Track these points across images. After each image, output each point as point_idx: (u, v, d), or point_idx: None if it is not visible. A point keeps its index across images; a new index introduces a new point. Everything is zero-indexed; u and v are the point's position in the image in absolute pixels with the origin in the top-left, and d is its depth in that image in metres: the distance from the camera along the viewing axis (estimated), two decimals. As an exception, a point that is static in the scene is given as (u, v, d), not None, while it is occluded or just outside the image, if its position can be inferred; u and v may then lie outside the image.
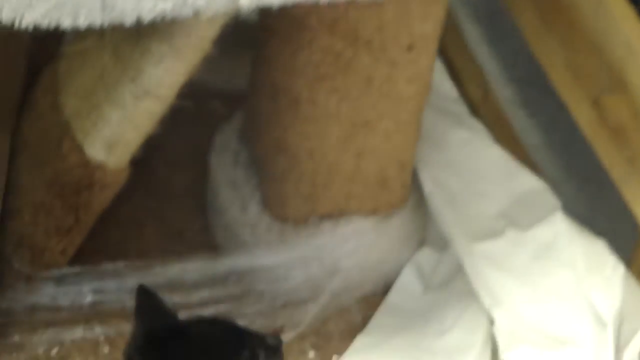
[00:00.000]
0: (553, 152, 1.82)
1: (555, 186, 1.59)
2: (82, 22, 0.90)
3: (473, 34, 1.89)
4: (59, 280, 1.50)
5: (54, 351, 1.47)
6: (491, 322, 1.45)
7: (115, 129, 1.31)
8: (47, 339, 1.48)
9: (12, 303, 1.48)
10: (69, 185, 1.40)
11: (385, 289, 1.63)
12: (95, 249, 1.57)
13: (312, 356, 1.52)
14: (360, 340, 1.51)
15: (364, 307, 1.61)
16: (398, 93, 1.40)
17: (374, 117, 1.43)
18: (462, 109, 1.80)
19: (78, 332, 1.49)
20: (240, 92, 1.68)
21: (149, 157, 1.52)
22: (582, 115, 1.43)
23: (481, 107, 1.85)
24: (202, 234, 1.68)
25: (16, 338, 1.46)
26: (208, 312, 1.47)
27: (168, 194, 1.74)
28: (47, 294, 1.49)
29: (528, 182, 1.61)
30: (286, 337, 1.49)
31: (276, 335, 1.14)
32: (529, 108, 1.88)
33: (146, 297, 1.10)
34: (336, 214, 1.56)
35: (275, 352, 1.10)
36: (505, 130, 1.76)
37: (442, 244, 1.63)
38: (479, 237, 1.51)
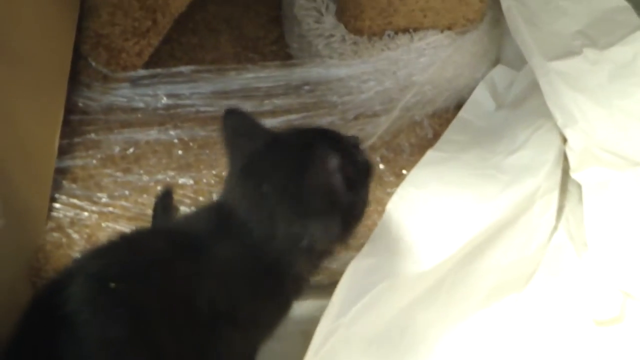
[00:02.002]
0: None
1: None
2: None
3: None
4: (135, 82, 1.56)
5: (130, 151, 1.55)
6: (564, 141, 1.49)
7: None
8: (123, 139, 1.55)
9: (89, 102, 1.56)
10: (148, -16, 1.35)
11: (457, 106, 1.68)
12: (171, 54, 1.65)
13: (382, 168, 1.57)
14: (430, 155, 1.54)
15: (436, 122, 1.67)
16: None
17: None
18: None
19: (152, 134, 1.55)
20: None
21: None
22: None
23: None
24: (276, 44, 1.74)
25: (92, 136, 1.54)
26: (280, 121, 1.56)
27: (244, 2, 1.80)
28: (122, 95, 1.57)
29: (609, 1, 1.61)
30: (357, 148, 1.51)
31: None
32: None
33: (237, 119, 1.17)
34: (412, 28, 1.61)
35: (359, 147, 1.16)
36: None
37: (518, 63, 1.66)
38: (556, 55, 1.52)
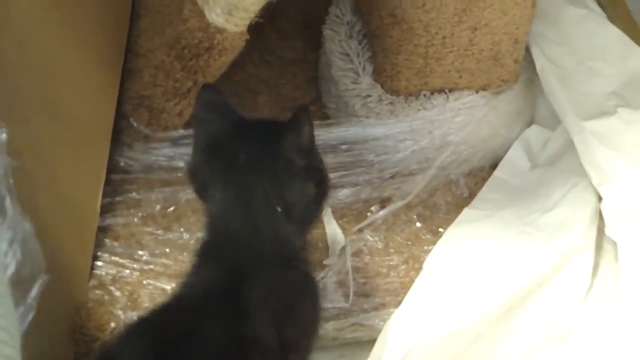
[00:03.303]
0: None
1: None
2: None
3: None
4: (175, 142, 1.60)
5: (170, 209, 1.58)
6: (599, 199, 1.51)
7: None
8: (163, 198, 1.58)
9: (130, 162, 1.59)
10: (189, 47, 1.48)
11: (493, 165, 1.71)
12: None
13: (419, 226, 1.61)
14: (466, 213, 1.58)
15: (471, 181, 1.69)
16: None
17: (492, -11, 1.39)
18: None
19: (192, 193, 1.52)
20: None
21: (265, 27, 1.62)
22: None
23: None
24: (314, 105, 1.78)
25: (134, 195, 1.58)
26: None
27: (283, 64, 1.84)
28: (163, 154, 1.60)
29: (641, 61, 1.54)
30: (394, 207, 1.61)
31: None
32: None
33: (211, 95, 1.18)
34: (447, 88, 1.65)
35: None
36: (621, 10, 1.79)
37: (552, 123, 1.70)
38: (590, 115, 1.56)
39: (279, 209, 1.12)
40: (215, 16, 1.43)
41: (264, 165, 1.13)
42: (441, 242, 1.46)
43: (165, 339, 1.04)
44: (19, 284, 1.10)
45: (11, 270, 1.06)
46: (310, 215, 1.18)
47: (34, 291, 1.09)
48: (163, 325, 1.07)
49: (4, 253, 1.05)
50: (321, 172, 1.18)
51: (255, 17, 1.41)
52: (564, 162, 1.62)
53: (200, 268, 1.15)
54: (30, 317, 1.10)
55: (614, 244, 1.47)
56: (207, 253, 1.15)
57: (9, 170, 1.05)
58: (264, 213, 1.12)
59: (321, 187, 1.15)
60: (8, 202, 1.07)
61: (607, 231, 1.47)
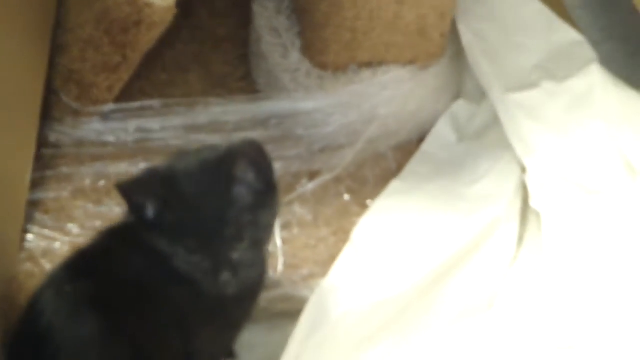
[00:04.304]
0: (593, 13, 1.86)
1: (594, 46, 1.65)
2: None
3: None
4: (106, 117, 1.61)
5: (101, 183, 1.58)
6: (523, 170, 1.53)
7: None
8: (94, 172, 1.58)
9: (60, 136, 1.59)
10: (117, 22, 1.48)
11: (420, 138, 1.73)
12: (141, 91, 1.69)
13: (347, 199, 1.62)
14: (393, 185, 1.60)
15: (399, 154, 1.71)
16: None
17: (417, -37, 1.40)
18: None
19: (123, 167, 1.58)
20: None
21: (196, 5, 1.61)
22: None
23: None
24: (244, 80, 1.78)
25: (64, 170, 1.57)
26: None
27: (212, 41, 1.84)
28: (93, 129, 1.61)
29: (566, 35, 1.67)
30: (323, 180, 1.61)
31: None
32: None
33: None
34: (375, 63, 1.66)
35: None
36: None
37: (479, 97, 1.72)
38: (514, 87, 1.59)
39: None
40: (144, -11, 1.34)
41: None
42: (369, 214, 1.49)
43: (80, 264, 1.13)
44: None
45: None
46: None
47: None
48: (77, 257, 1.15)
49: None
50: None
51: None
52: (489, 136, 1.65)
53: None
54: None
55: (538, 215, 1.50)
56: None
57: None
58: None
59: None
60: None
61: (531, 202, 1.50)
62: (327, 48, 1.62)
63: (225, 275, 1.06)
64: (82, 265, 1.12)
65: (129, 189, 0.98)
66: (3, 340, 1.12)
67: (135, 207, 1.04)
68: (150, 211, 1.05)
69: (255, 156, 1.05)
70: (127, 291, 1.09)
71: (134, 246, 1.06)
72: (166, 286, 1.11)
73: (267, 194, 1.09)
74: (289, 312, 1.35)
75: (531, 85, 1.59)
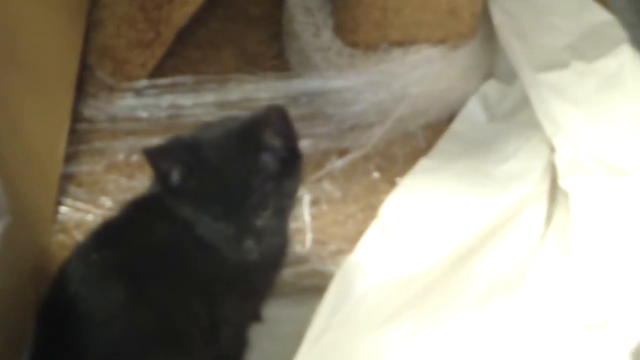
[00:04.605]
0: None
1: (629, 28, 1.64)
2: None
3: None
4: (139, 92, 1.63)
5: (133, 158, 1.60)
6: (552, 150, 1.52)
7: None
8: (127, 147, 1.61)
9: (94, 111, 1.63)
10: (151, -1, 1.42)
11: (450, 118, 1.73)
12: (174, 67, 1.71)
13: (377, 177, 1.63)
14: (422, 163, 1.60)
15: (429, 133, 1.71)
16: None
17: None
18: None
19: (156, 142, 1.53)
20: None
21: None
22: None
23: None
24: (277, 59, 1.80)
25: (98, 144, 1.60)
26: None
27: (246, 20, 1.86)
28: (127, 104, 1.63)
29: (597, 15, 1.66)
30: (352, 157, 1.62)
31: None
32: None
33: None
34: (406, 42, 1.66)
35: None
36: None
37: (510, 77, 1.71)
38: (545, 67, 1.58)
39: None
40: (179, -33, 1.35)
41: None
42: (397, 191, 1.49)
43: (106, 233, 1.16)
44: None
45: (-26, 212, 1.02)
46: None
47: (-4, 230, 1.07)
48: (104, 227, 1.18)
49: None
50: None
51: None
52: (519, 116, 1.64)
53: None
54: (-8, 253, 1.06)
55: (567, 195, 1.49)
56: None
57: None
58: None
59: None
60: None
61: (560, 182, 1.49)
62: (358, 27, 1.62)
63: (249, 243, 1.08)
64: (109, 234, 1.11)
65: (155, 155, 1.00)
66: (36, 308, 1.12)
67: (160, 173, 1.04)
68: (175, 177, 1.06)
69: (282, 123, 1.04)
70: (152, 260, 1.11)
71: (158, 215, 1.08)
72: (190, 254, 1.13)
73: (291, 162, 1.06)
74: (317, 287, 1.36)
75: (561, 65, 1.58)
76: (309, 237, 1.47)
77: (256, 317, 1.29)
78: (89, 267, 1.07)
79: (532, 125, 1.57)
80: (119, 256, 1.06)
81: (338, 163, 1.53)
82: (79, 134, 1.58)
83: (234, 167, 1.04)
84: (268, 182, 1.04)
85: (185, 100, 1.62)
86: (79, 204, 1.48)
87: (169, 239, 1.07)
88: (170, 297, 1.06)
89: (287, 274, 1.36)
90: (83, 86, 1.59)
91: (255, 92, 1.63)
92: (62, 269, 1.10)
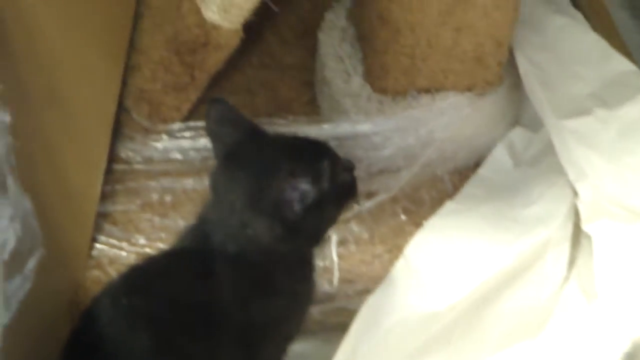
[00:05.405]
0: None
1: None
2: None
3: None
4: (174, 135, 1.68)
5: (167, 198, 1.65)
6: (575, 195, 1.54)
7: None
8: (161, 187, 1.65)
9: (130, 153, 1.67)
10: (187, 43, 1.56)
11: (477, 163, 1.76)
12: (209, 111, 1.68)
13: (404, 219, 1.66)
14: (448, 206, 1.62)
15: (456, 178, 1.74)
16: (498, -31, 1.42)
17: (473, -8, 1.46)
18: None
19: (189, 183, 1.65)
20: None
21: (266, 33, 1.75)
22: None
23: (583, 0, 1.93)
24: (309, 105, 1.85)
25: (133, 184, 1.64)
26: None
27: (280, 68, 1.91)
28: (162, 146, 1.68)
29: (620, 65, 1.69)
30: (380, 199, 1.65)
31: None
32: (633, 9, 1.96)
33: (221, 109, 1.25)
34: (433, 89, 1.69)
35: (350, 171, 1.24)
36: (605, 24, 1.86)
37: (536, 125, 1.74)
38: (569, 114, 1.60)
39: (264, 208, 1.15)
40: (212, 13, 1.50)
41: (259, 165, 1.19)
42: (422, 231, 1.51)
43: (138, 279, 1.14)
44: (18, 257, 1.17)
45: (11, 244, 1.13)
46: (311, 224, 1.20)
47: (31, 263, 1.14)
48: (137, 272, 1.17)
49: (5, 228, 1.12)
50: (312, 224, 1.16)
51: (250, 16, 1.49)
52: (545, 162, 1.66)
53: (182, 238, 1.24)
54: (27, 287, 1.17)
55: (591, 238, 1.50)
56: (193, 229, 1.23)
57: (11, 150, 1.12)
58: (245, 207, 1.17)
59: (300, 233, 1.13)
60: (10, 181, 1.13)
61: (583, 225, 1.51)
62: (387, 74, 1.66)
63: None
64: (141, 280, 1.11)
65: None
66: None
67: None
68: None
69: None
70: (183, 312, 1.12)
71: (196, 268, 1.10)
72: (225, 308, 1.14)
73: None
74: (343, 325, 1.38)
75: (585, 112, 1.60)
76: (336, 276, 1.49)
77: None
78: (117, 310, 1.05)
79: (557, 170, 1.58)
80: (149, 304, 1.05)
81: (366, 205, 1.55)
82: (115, 174, 1.61)
83: None
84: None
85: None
86: (114, 241, 1.52)
87: (204, 293, 1.07)
88: (200, 352, 1.06)
89: (314, 311, 1.38)
90: (120, 128, 1.63)
91: (287, 135, 1.57)
92: (90, 308, 1.09)
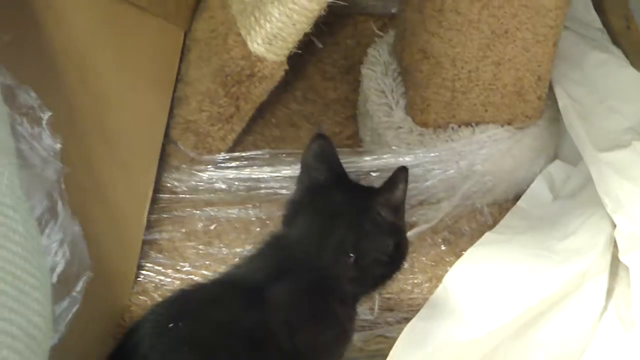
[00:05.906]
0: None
1: None
2: None
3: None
4: (219, 165, 1.71)
5: (212, 227, 1.68)
6: (613, 226, 1.55)
7: (275, 25, 1.51)
8: (206, 216, 1.68)
9: (176, 182, 1.71)
10: (232, 75, 1.60)
11: (516, 196, 1.77)
12: (253, 144, 1.81)
13: (443, 249, 1.68)
14: (487, 236, 1.64)
15: (495, 210, 1.76)
16: (538, 4, 1.53)
17: (513, 26, 1.57)
18: (603, 36, 1.93)
19: (233, 213, 1.69)
20: (392, 14, 1.97)
21: (310, 69, 1.82)
22: None
23: (622, 38, 1.95)
24: (351, 139, 1.88)
25: (179, 213, 1.68)
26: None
27: (324, 102, 1.96)
28: (207, 176, 1.70)
29: (658, 101, 1.62)
30: (420, 229, 1.68)
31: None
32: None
33: (323, 145, 1.29)
34: (474, 122, 1.72)
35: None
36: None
37: (575, 158, 1.76)
38: (607, 147, 1.62)
39: (351, 255, 1.22)
40: (257, 45, 1.55)
41: (352, 211, 1.26)
42: (462, 260, 1.53)
43: (187, 305, 1.17)
44: (67, 280, 1.19)
45: (60, 267, 1.16)
46: (377, 274, 1.28)
47: (79, 286, 1.18)
48: (184, 297, 1.19)
49: (55, 252, 1.15)
50: (402, 232, 1.29)
51: (295, 50, 1.54)
52: (583, 195, 1.67)
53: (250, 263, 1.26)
54: (74, 309, 1.18)
55: (628, 269, 1.51)
56: (265, 254, 1.26)
57: (61, 176, 1.14)
58: (331, 249, 1.24)
59: (399, 249, 1.22)
60: (60, 206, 1.16)
61: (621, 257, 1.51)
62: (428, 107, 1.69)
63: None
64: (186, 304, 1.12)
65: None
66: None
67: None
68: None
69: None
70: (227, 338, 1.08)
71: (242, 298, 1.11)
72: (273, 341, 1.15)
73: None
74: (383, 352, 1.40)
75: (622, 145, 1.61)
76: (377, 304, 1.51)
77: None
78: (161, 335, 1.07)
79: (595, 202, 1.59)
80: (193, 329, 1.06)
81: (407, 235, 1.54)
82: (161, 203, 1.65)
83: None
84: None
85: (262, 173, 1.68)
86: (159, 268, 1.56)
87: (251, 320, 1.08)
88: None
89: (355, 338, 1.40)
90: (166, 158, 1.67)
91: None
92: (133, 328, 1.11)
